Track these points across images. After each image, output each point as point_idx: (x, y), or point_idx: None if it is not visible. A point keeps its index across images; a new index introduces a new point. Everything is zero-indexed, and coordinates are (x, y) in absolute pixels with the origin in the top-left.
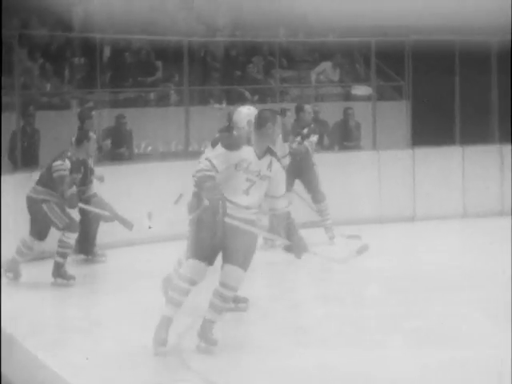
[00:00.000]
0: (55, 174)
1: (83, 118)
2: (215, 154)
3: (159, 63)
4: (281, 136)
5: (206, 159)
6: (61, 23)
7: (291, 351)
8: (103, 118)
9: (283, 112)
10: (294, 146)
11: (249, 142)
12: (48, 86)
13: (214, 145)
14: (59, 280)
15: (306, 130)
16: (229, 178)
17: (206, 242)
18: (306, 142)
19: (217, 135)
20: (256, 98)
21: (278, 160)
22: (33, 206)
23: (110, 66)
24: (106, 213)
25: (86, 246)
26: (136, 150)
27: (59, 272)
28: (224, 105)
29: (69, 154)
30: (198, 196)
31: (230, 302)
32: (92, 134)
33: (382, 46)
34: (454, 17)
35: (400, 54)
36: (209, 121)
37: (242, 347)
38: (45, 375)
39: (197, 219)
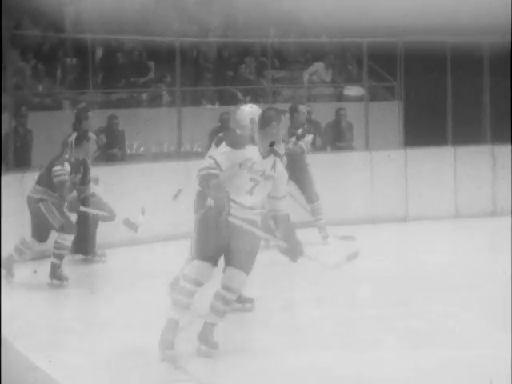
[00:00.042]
0: (55, 180)
1: (80, 118)
2: (220, 152)
3: (151, 64)
4: None
5: (210, 157)
6: (53, 24)
7: (285, 352)
8: (95, 119)
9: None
10: (290, 146)
11: (253, 141)
12: (40, 87)
13: (217, 144)
14: (55, 281)
15: (300, 131)
16: (233, 177)
17: (211, 242)
18: (300, 142)
19: (220, 134)
20: (248, 98)
21: (282, 161)
22: (31, 205)
23: (102, 67)
24: (105, 213)
25: (86, 246)
26: (128, 151)
27: (55, 273)
28: (216, 105)
29: (67, 156)
30: (202, 195)
31: (232, 304)
32: (91, 135)
33: (374, 46)
34: (446, 18)
35: (392, 54)
36: (201, 121)
37: (236, 348)
38: (36, 377)
39: (201, 219)
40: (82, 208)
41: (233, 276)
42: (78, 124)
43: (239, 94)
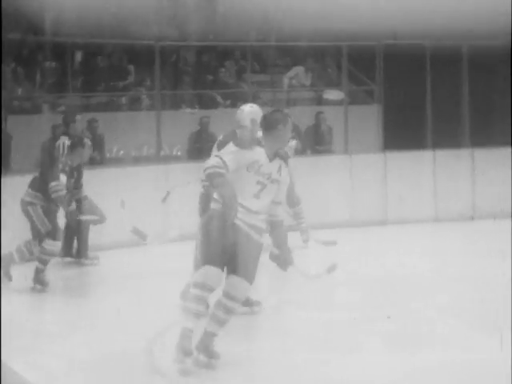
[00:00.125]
0: (54, 196)
1: (67, 121)
2: (227, 152)
3: (131, 67)
4: None
5: (217, 156)
6: (32, 27)
7: (267, 355)
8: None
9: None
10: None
11: (256, 142)
12: (19, 90)
13: (220, 146)
14: (38, 286)
15: None
16: (239, 179)
17: (218, 246)
18: (285, 148)
19: (220, 137)
20: (228, 102)
21: (287, 165)
22: (23, 208)
23: (82, 70)
24: (95, 217)
25: (78, 250)
26: (108, 155)
27: (38, 278)
28: (196, 109)
29: (60, 165)
30: (205, 198)
31: (233, 313)
32: (87, 140)
33: (353, 50)
34: (425, 21)
35: (371, 58)
36: (180, 125)
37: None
38: (12, 381)
39: (206, 222)
40: (83, 217)
41: (236, 284)
42: (66, 127)
43: (219, 98)
